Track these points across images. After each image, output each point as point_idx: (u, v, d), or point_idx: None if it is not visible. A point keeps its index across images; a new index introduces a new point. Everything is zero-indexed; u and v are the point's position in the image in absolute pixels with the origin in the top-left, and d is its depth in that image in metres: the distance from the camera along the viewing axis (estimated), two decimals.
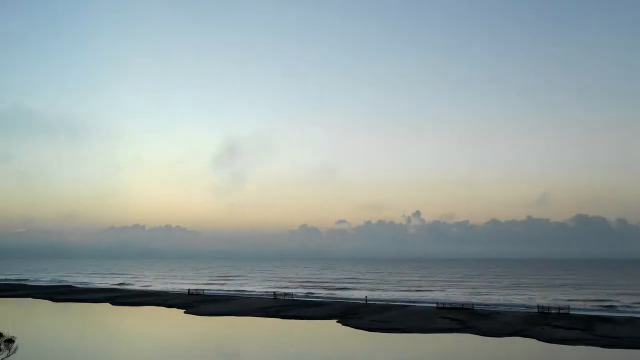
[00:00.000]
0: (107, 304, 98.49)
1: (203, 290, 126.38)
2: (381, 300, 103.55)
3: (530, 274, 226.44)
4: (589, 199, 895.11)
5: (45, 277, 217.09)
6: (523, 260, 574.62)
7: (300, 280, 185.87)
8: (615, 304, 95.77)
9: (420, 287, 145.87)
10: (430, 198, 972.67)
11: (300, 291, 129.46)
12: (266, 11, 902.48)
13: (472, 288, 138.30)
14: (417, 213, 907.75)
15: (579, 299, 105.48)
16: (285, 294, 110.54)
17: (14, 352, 35.10)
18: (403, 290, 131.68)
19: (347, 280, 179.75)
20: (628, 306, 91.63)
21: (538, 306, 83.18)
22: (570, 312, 77.20)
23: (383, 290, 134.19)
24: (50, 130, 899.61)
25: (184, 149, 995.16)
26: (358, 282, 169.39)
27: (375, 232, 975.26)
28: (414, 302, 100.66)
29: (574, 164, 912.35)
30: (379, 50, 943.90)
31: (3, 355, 34.62)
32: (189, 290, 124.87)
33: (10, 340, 35.12)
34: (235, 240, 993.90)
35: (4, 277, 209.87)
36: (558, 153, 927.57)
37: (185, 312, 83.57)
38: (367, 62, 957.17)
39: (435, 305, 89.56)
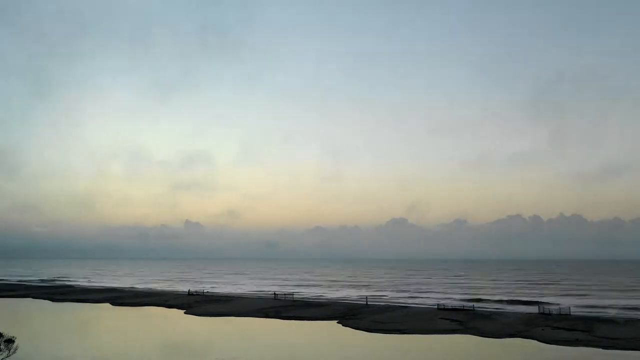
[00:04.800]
0: (107, 304, 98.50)
1: (203, 290, 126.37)
2: (382, 301, 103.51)
3: (534, 274, 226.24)
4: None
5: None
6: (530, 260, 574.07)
7: None
8: (616, 304, 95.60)
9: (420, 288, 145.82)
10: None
11: (301, 291, 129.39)
12: None
13: (474, 288, 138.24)
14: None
15: (580, 299, 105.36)
16: (286, 295, 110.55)
17: (14, 352, 35.12)
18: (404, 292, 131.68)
19: None
20: (629, 307, 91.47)
21: (539, 307, 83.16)
22: (571, 313, 77.14)
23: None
24: None
25: None
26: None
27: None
28: (414, 303, 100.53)
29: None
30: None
31: (3, 355, 34.62)
32: (189, 290, 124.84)
33: (10, 340, 35.17)
34: None
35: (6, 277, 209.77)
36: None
37: (185, 313, 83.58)
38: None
39: (435, 306, 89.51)
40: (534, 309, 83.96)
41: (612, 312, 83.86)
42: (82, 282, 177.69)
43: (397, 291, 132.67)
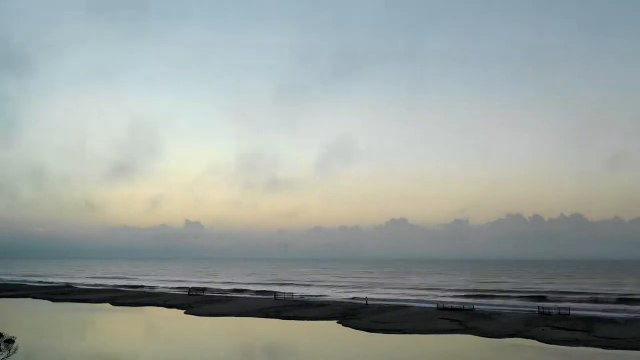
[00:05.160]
0: (107, 304, 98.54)
1: (203, 290, 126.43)
2: (381, 301, 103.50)
3: (534, 274, 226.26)
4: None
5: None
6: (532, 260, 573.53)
7: None
8: (615, 304, 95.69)
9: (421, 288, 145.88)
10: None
11: (301, 291, 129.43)
12: None
13: (473, 288, 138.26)
14: None
15: (579, 299, 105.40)
16: (286, 295, 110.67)
17: (14, 352, 35.12)
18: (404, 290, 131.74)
19: None
20: (628, 307, 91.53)
21: (538, 307, 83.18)
22: (571, 313, 77.18)
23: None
24: None
25: None
26: None
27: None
28: (414, 303, 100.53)
29: None
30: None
31: (3, 356, 34.63)
32: (189, 290, 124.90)
33: (10, 341, 35.15)
34: None
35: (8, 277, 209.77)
36: None
37: (185, 313, 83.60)
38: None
39: (435, 306, 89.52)
40: (533, 309, 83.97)
41: (612, 312, 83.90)
42: (83, 282, 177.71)
43: (397, 291, 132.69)
